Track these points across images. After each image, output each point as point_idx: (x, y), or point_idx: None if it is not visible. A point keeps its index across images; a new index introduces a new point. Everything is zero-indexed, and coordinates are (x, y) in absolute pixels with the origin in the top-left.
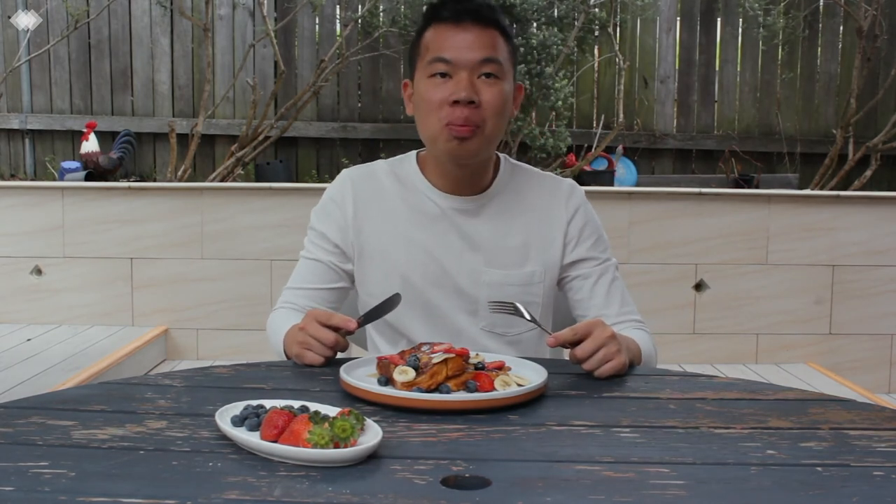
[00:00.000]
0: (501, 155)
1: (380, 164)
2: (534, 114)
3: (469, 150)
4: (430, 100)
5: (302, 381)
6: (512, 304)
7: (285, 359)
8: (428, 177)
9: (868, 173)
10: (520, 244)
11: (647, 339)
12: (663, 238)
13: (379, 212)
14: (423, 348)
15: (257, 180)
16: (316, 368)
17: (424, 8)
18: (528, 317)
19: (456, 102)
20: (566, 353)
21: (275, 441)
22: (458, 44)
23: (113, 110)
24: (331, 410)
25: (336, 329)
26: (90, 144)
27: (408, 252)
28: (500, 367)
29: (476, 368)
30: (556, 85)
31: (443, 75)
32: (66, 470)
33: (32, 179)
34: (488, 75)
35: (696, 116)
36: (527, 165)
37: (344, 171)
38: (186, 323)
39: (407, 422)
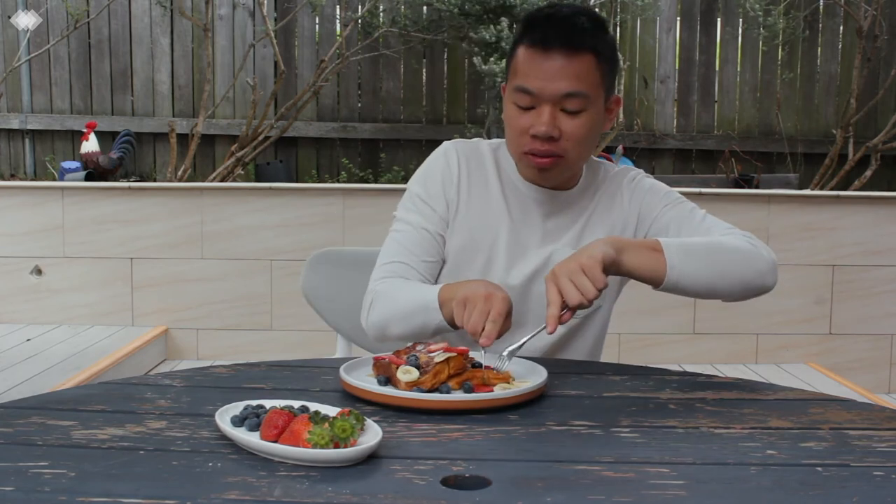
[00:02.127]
0: None
1: (483, 144)
2: None
3: (549, 179)
4: (513, 126)
5: (302, 381)
6: (508, 353)
7: (433, 316)
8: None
9: (868, 173)
10: (588, 225)
11: (714, 237)
12: None
13: (478, 190)
14: (419, 348)
15: (257, 180)
16: (316, 369)
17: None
18: (522, 340)
19: (535, 136)
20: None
21: (275, 441)
22: (542, 74)
23: (113, 110)
24: (331, 410)
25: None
26: (90, 144)
27: (495, 237)
28: (506, 380)
29: (473, 367)
30: None
31: (526, 108)
32: (66, 470)
33: (32, 179)
34: (571, 111)
35: (696, 116)
36: (604, 161)
37: (449, 143)
38: (186, 323)
39: (407, 422)
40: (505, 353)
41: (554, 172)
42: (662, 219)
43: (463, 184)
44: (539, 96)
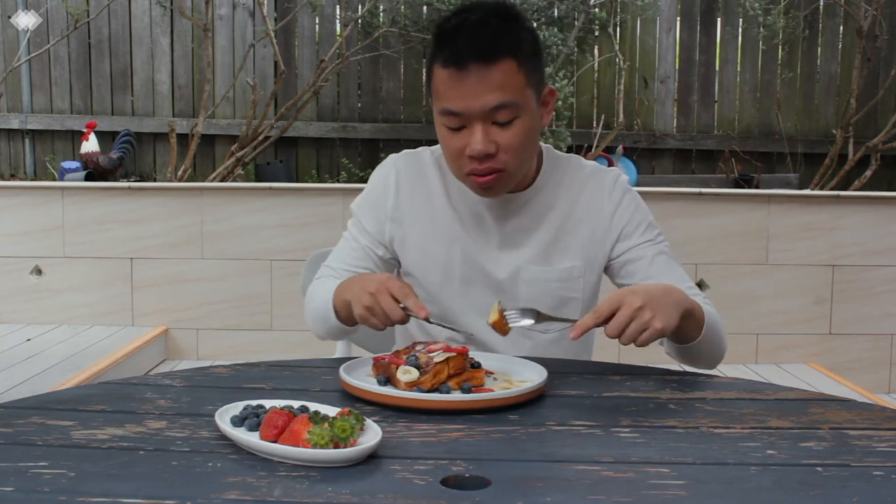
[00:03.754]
0: (545, 147)
1: (426, 153)
2: None
3: (496, 192)
4: (448, 148)
5: (302, 381)
6: (532, 310)
7: (332, 317)
8: None
9: (868, 173)
10: (561, 239)
11: (716, 313)
12: None
13: (422, 204)
14: (418, 347)
15: (257, 180)
16: (316, 369)
17: (433, 30)
18: (550, 316)
19: (472, 156)
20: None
21: (274, 441)
22: (463, 93)
23: (113, 110)
24: (331, 410)
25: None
26: (90, 144)
27: (448, 249)
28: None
29: (473, 367)
30: (556, 85)
31: (456, 129)
32: (65, 470)
33: (32, 179)
34: (503, 123)
35: (696, 116)
36: (571, 156)
37: (390, 158)
38: (186, 323)
39: (407, 422)
40: (520, 310)
41: (498, 188)
42: (638, 249)
43: (405, 202)
44: (466, 116)
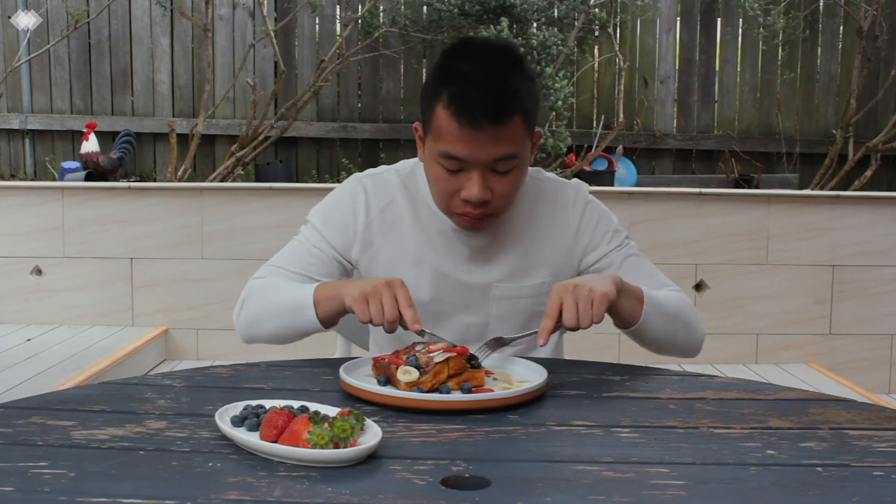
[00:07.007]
0: None
1: (392, 176)
2: None
3: (482, 230)
4: (441, 188)
5: (302, 381)
6: (494, 340)
7: (305, 313)
8: None
9: (868, 173)
10: (529, 256)
11: (675, 296)
12: (663, 238)
13: (391, 228)
14: (418, 348)
15: (257, 180)
16: (316, 369)
17: (439, 68)
18: (513, 336)
19: (467, 201)
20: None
21: (274, 441)
22: (472, 144)
23: (113, 110)
24: (331, 410)
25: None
26: (90, 144)
27: (418, 271)
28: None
29: (473, 367)
30: (556, 85)
31: (453, 171)
32: (65, 470)
33: (32, 179)
34: (502, 171)
35: (696, 116)
36: (531, 171)
37: (356, 178)
38: (186, 323)
39: (407, 422)
40: (485, 344)
41: (485, 225)
42: (606, 258)
43: (374, 224)
44: (469, 162)
